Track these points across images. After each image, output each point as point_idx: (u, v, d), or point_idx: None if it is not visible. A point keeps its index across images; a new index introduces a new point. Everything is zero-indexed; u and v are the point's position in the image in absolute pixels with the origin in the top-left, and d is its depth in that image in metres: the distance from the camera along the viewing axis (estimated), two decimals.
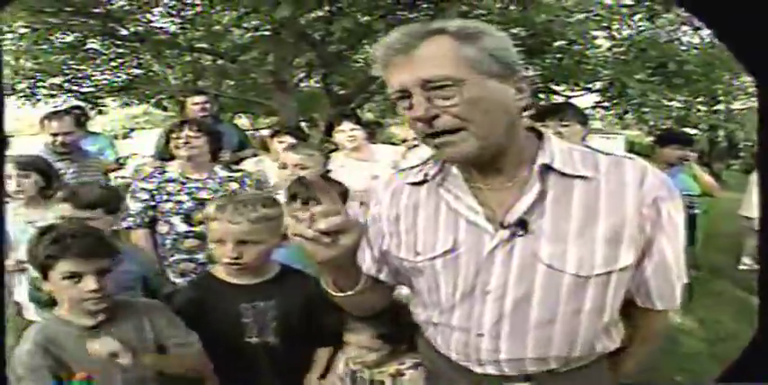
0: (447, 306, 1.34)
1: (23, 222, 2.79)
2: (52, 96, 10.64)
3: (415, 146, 3.81)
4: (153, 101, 11.56)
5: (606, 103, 9.81)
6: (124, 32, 9.35)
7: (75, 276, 1.71)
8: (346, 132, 3.60)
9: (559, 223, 1.24)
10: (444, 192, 1.33)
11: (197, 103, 4.67)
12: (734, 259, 6.84)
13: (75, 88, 10.59)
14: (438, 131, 1.19)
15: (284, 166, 3.00)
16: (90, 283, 1.70)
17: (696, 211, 4.58)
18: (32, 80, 9.85)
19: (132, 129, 20.04)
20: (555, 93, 10.14)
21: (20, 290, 2.78)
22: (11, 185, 2.83)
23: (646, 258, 1.30)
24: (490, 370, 1.34)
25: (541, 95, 9.93)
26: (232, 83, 12.38)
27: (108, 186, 2.87)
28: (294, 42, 7.92)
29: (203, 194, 2.98)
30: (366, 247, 1.44)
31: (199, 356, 1.86)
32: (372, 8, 7.50)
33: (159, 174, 3.10)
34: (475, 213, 1.27)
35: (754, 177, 6.40)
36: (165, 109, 11.79)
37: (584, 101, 10.22)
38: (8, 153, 4.85)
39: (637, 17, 10.10)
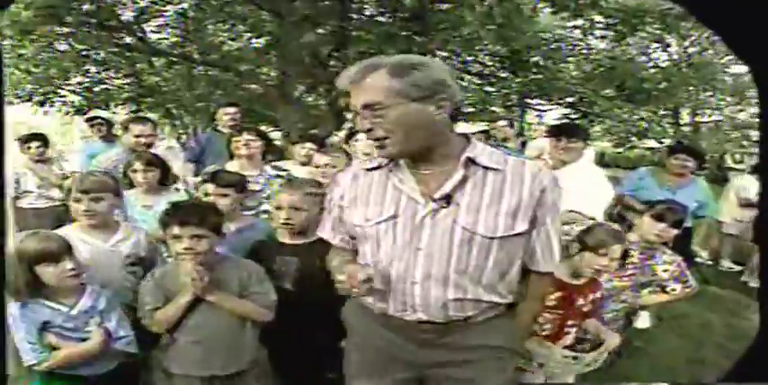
0: (387, 261, 1.74)
1: (140, 206, 3.43)
2: (64, 103, 11.19)
3: None
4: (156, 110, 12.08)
5: (573, 116, 10.63)
6: (128, 42, 9.93)
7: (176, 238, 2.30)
8: (362, 141, 4.40)
9: (474, 199, 1.66)
10: (392, 176, 1.75)
11: (228, 113, 5.36)
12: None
13: (87, 95, 11.16)
14: (375, 138, 1.65)
15: (317, 166, 3.79)
16: (184, 244, 2.28)
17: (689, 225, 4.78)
18: (50, 87, 10.42)
19: None
20: (529, 106, 10.98)
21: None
22: (138, 178, 3.45)
23: (534, 229, 1.73)
24: (421, 315, 1.74)
25: (516, 109, 10.77)
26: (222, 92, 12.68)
27: (238, 173, 3.43)
28: (300, 59, 8.61)
29: (255, 187, 3.73)
30: (327, 221, 1.99)
31: (263, 307, 2.38)
32: (383, 33, 8.25)
33: None
34: (413, 190, 1.70)
35: (730, 184, 7.11)
36: (168, 118, 12.27)
37: (554, 114, 11.11)
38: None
39: (606, 39, 10.95)
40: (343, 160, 3.83)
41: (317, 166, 3.75)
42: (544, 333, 2.58)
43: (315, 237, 2.60)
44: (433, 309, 1.72)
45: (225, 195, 2.99)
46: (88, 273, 2.42)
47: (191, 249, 2.28)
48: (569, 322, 2.62)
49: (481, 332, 1.78)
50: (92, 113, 6.36)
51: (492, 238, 1.66)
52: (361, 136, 4.42)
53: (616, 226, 2.79)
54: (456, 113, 1.71)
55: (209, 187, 3.05)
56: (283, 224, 2.65)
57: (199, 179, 3.76)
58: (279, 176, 3.90)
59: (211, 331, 2.35)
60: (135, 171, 3.48)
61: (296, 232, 2.67)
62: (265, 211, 3.65)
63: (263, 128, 16.00)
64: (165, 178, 3.60)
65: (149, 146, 4.31)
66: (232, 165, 3.92)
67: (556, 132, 3.97)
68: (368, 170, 1.84)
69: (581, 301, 2.61)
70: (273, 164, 4.24)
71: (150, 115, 12.46)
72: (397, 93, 1.58)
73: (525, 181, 1.68)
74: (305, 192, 2.65)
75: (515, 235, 1.69)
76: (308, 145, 4.53)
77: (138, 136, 4.25)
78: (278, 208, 2.67)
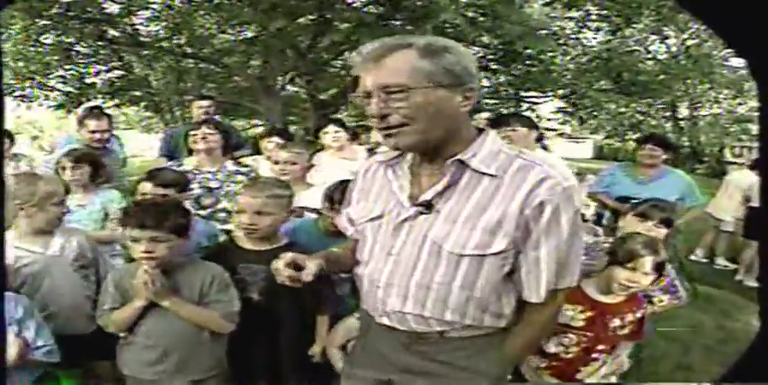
0: (366, 260, 1.66)
1: (75, 205, 3.20)
2: (46, 98, 11.04)
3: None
4: (143, 103, 11.95)
5: (569, 109, 10.42)
6: (114, 34, 9.82)
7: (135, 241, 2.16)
8: (330, 134, 4.18)
9: (456, 209, 1.47)
10: (390, 173, 1.61)
11: (202, 107, 5.19)
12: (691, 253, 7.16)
13: (68, 89, 10.98)
14: (388, 126, 1.43)
15: (276, 162, 3.52)
16: (142, 247, 2.14)
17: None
18: (31, 81, 10.25)
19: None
20: (522, 99, 10.78)
21: None
22: (66, 175, 3.29)
23: (522, 251, 1.48)
24: (384, 320, 1.63)
25: (510, 101, 10.58)
26: (212, 85, 12.61)
27: (179, 171, 3.29)
28: (282, 50, 8.42)
29: (212, 184, 3.54)
30: (345, 213, 1.81)
31: (223, 317, 2.25)
32: (358, 21, 8.01)
33: (176, 167, 3.57)
34: (401, 190, 1.57)
35: (727, 178, 6.98)
36: (157, 111, 12.13)
37: (549, 106, 10.92)
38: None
39: (601, 31, 10.75)
40: (305, 156, 3.58)
41: (277, 163, 3.48)
42: (568, 356, 2.28)
43: (282, 243, 2.49)
44: (394, 318, 1.61)
45: (164, 195, 2.76)
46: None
47: (149, 253, 2.14)
48: (599, 347, 2.31)
49: (453, 349, 1.61)
50: (89, 104, 6.30)
51: (460, 256, 1.47)
52: (329, 128, 4.24)
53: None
54: (476, 107, 1.53)
55: (147, 186, 2.83)
56: (246, 229, 2.43)
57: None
58: (240, 173, 3.67)
59: (166, 336, 2.25)
60: (63, 168, 3.35)
61: (259, 237, 2.45)
62: (224, 210, 3.44)
63: (254, 121, 15.92)
64: (97, 175, 3.46)
65: (106, 141, 4.23)
66: (190, 161, 3.70)
67: (493, 123, 3.82)
68: (380, 162, 1.70)
69: (617, 322, 2.29)
70: (237, 159, 4.01)
71: (134, 109, 12.38)
72: (425, 75, 1.38)
73: (520, 192, 1.42)
74: (269, 195, 2.43)
75: (491, 254, 1.46)
76: (275, 139, 4.30)
77: (93, 131, 4.15)
78: (240, 211, 2.45)
